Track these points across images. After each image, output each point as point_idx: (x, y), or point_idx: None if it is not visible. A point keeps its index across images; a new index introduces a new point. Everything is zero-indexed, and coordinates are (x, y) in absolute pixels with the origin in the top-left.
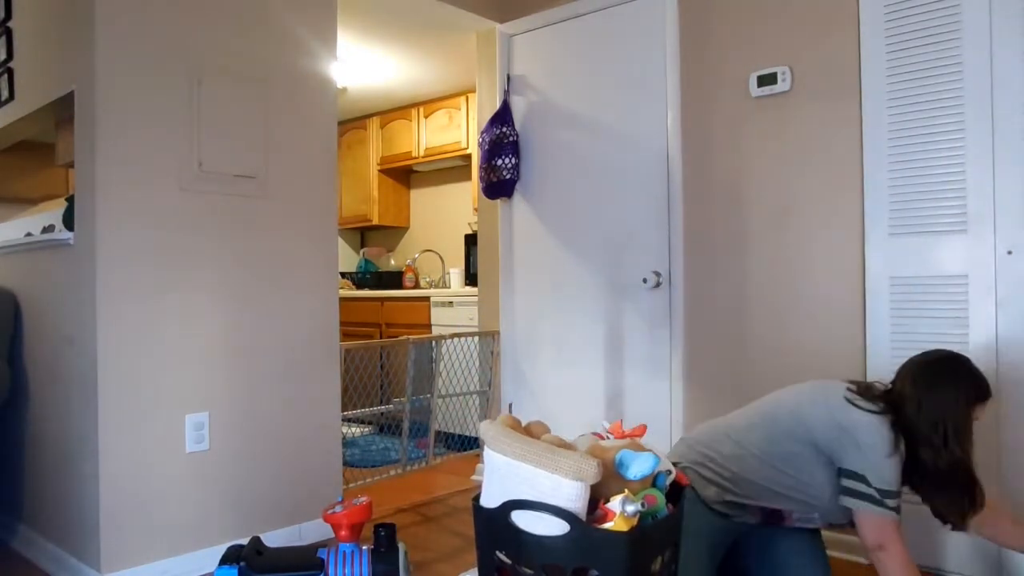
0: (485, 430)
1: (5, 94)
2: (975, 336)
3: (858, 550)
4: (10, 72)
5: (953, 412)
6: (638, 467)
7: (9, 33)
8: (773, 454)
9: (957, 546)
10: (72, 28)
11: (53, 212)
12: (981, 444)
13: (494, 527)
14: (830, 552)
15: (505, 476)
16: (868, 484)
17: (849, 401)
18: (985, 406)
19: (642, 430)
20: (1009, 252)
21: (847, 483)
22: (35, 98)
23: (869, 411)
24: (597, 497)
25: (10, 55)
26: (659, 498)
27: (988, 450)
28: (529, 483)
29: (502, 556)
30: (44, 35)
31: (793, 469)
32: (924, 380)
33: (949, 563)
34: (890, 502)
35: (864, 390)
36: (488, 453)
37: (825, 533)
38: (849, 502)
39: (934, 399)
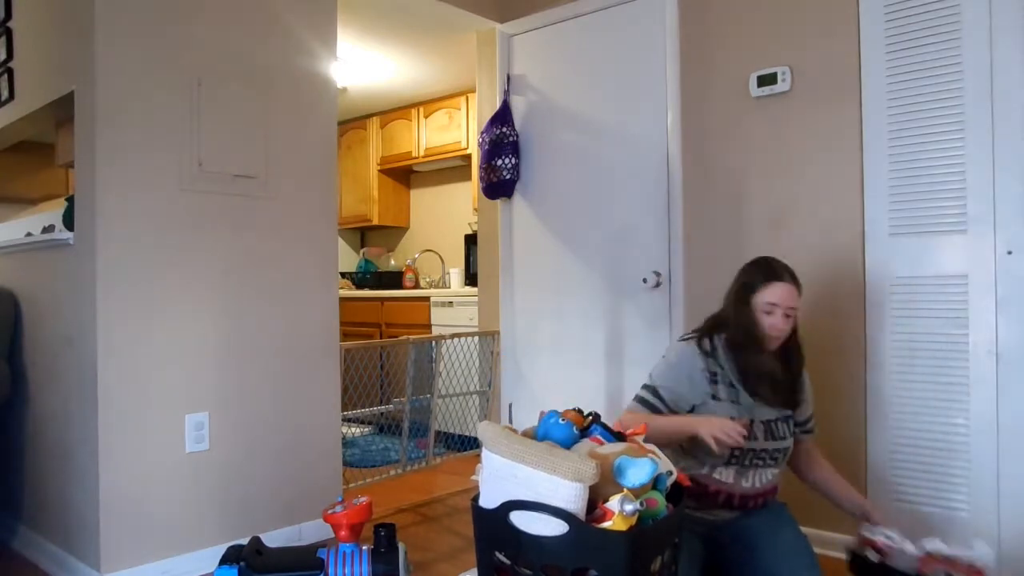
0: (483, 431)
1: (5, 94)
2: (975, 336)
3: None
4: (10, 72)
5: (732, 303)
6: (635, 474)
7: (9, 33)
8: None
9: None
10: (72, 28)
11: (53, 212)
12: (980, 444)
13: (493, 527)
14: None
15: (504, 478)
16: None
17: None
18: (764, 293)
19: (643, 429)
20: (1009, 252)
21: None
22: (35, 98)
23: (680, 339)
24: (596, 499)
25: (10, 55)
26: (659, 501)
27: (987, 446)
28: (527, 484)
29: (501, 557)
30: (44, 35)
31: None
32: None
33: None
34: (644, 391)
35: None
36: (486, 454)
37: (820, 532)
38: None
39: (726, 301)
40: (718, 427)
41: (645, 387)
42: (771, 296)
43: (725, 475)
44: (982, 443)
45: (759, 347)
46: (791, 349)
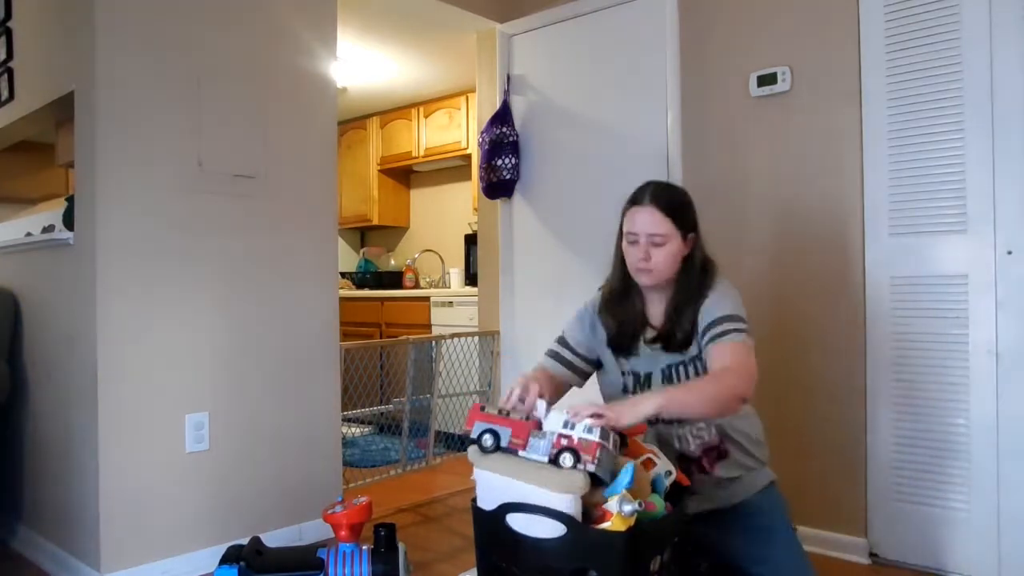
0: (472, 455)
1: (5, 94)
2: (975, 336)
3: (852, 549)
4: (10, 72)
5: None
6: (615, 482)
7: (9, 33)
8: None
9: (957, 546)
10: (72, 28)
11: (53, 212)
12: (980, 444)
13: (491, 529)
14: (827, 551)
15: (498, 489)
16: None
17: None
18: (625, 221)
19: (642, 428)
20: (1009, 252)
21: None
22: (35, 98)
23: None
24: (591, 505)
25: (10, 55)
26: (658, 504)
27: (987, 446)
28: (522, 498)
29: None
30: (44, 35)
31: None
32: None
33: (949, 563)
34: (554, 343)
35: None
36: (478, 473)
37: (820, 532)
38: None
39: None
40: (577, 408)
41: (557, 338)
42: (628, 223)
43: (649, 442)
44: (982, 443)
45: (626, 287)
46: (681, 285)
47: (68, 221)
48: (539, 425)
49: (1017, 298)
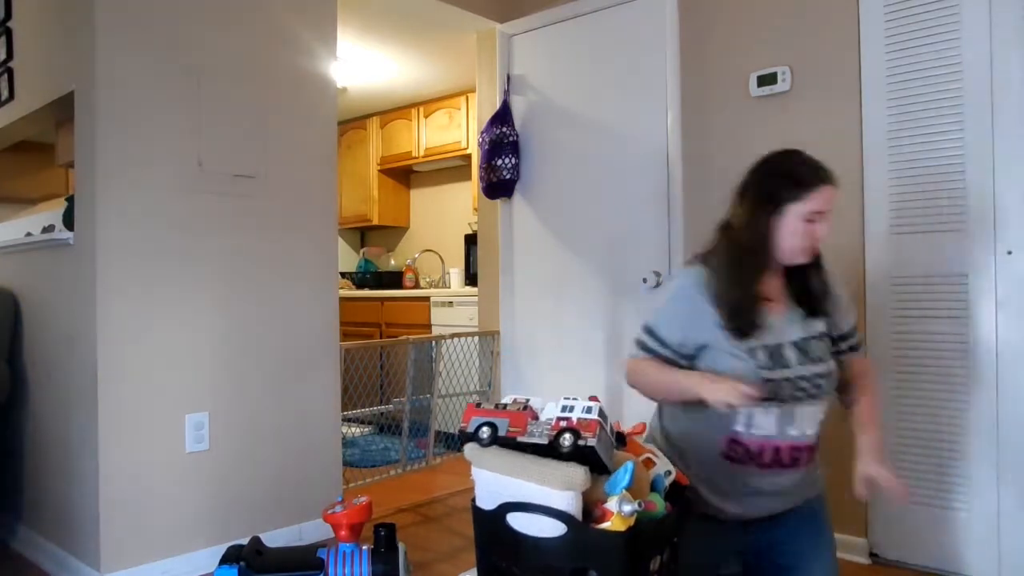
0: (469, 452)
1: (5, 94)
2: (975, 336)
3: (852, 549)
4: (10, 72)
5: (755, 219)
6: (613, 480)
7: (9, 33)
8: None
9: (958, 546)
10: (72, 28)
11: (53, 212)
12: (980, 444)
13: (491, 529)
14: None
15: (496, 489)
16: (644, 326)
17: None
18: (810, 200)
19: (642, 428)
20: (1009, 252)
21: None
22: (35, 98)
23: (684, 266)
24: (592, 501)
25: (10, 55)
26: (658, 504)
27: (987, 446)
28: (522, 496)
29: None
30: (44, 35)
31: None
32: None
33: (949, 563)
34: (645, 337)
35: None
36: (476, 472)
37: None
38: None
39: (743, 211)
40: (726, 390)
41: (644, 328)
42: (816, 202)
43: (766, 424)
44: (982, 443)
45: (753, 264)
46: (816, 264)
47: (68, 221)
48: (536, 416)
49: (1017, 298)
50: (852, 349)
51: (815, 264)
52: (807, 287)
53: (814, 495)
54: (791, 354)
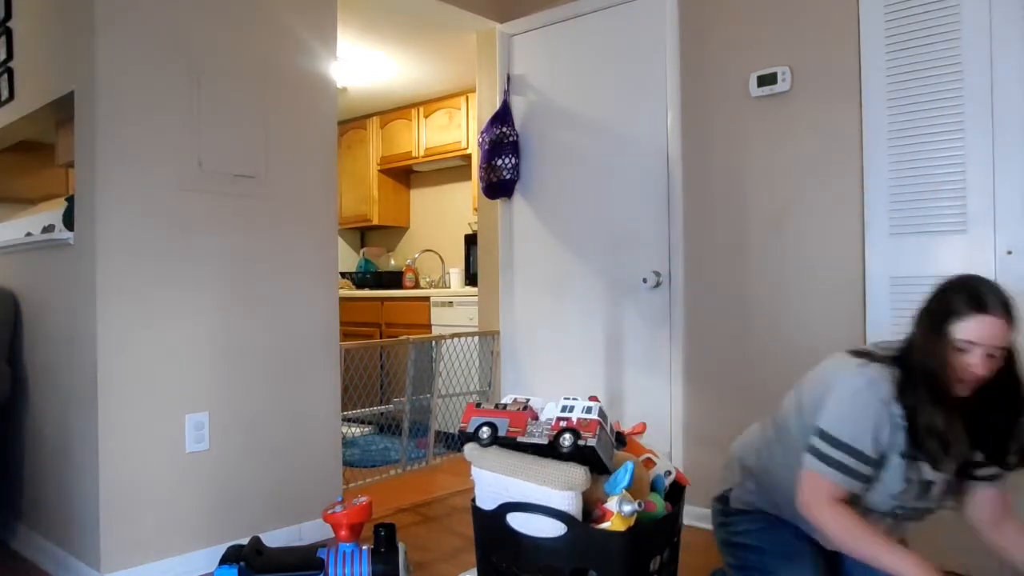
0: (469, 453)
1: (5, 94)
2: None
3: None
4: (10, 72)
5: (922, 340)
6: (615, 480)
7: (9, 33)
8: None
9: (957, 546)
10: (72, 28)
11: (53, 212)
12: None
13: (492, 529)
14: None
15: (498, 490)
16: (819, 434)
17: (852, 356)
18: (962, 326)
19: (641, 428)
20: (1009, 252)
21: (809, 440)
22: (35, 98)
23: (861, 364)
24: (592, 501)
25: (10, 55)
26: (658, 504)
27: None
28: (523, 496)
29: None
30: (44, 35)
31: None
32: (917, 314)
33: (949, 563)
34: (834, 452)
35: (878, 349)
36: (476, 472)
37: None
38: (803, 458)
39: (915, 331)
40: None
41: (826, 438)
42: (968, 331)
43: (877, 525)
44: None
45: (941, 392)
46: (996, 394)
47: (68, 221)
48: (536, 416)
49: (1017, 298)
50: (988, 479)
51: (993, 400)
52: (984, 424)
53: None
54: (938, 491)
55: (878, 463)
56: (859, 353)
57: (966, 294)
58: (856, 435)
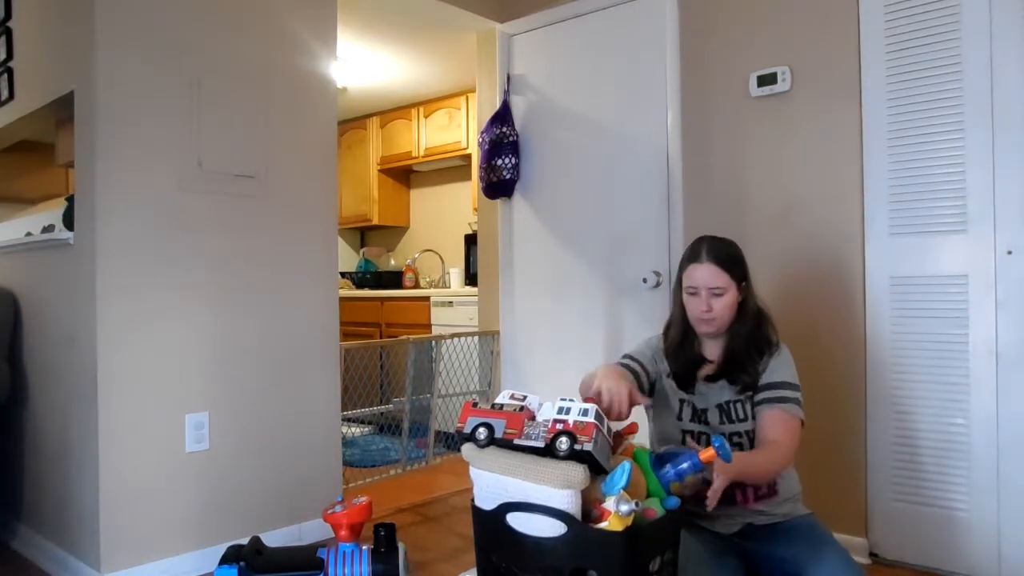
0: (466, 452)
1: (5, 94)
2: (975, 336)
3: (852, 549)
4: (10, 72)
5: (674, 293)
6: (611, 480)
7: (9, 33)
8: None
9: (958, 546)
10: (72, 28)
11: (53, 212)
12: (980, 444)
13: (491, 529)
14: None
15: (496, 490)
16: None
17: None
18: (685, 275)
19: (634, 428)
20: (1009, 252)
21: None
22: (35, 98)
23: None
24: (590, 501)
25: (10, 55)
26: (658, 510)
27: (987, 446)
28: (521, 495)
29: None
30: (44, 35)
31: None
32: None
33: (949, 563)
34: (623, 357)
35: None
36: (474, 472)
37: None
38: None
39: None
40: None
41: (624, 355)
42: (688, 278)
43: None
44: (982, 443)
45: (686, 332)
46: (737, 330)
47: (68, 221)
48: (533, 417)
49: (1017, 298)
50: (766, 402)
51: (732, 335)
52: (728, 355)
53: (797, 515)
54: (713, 416)
55: (652, 381)
56: None
57: (688, 251)
58: (635, 350)
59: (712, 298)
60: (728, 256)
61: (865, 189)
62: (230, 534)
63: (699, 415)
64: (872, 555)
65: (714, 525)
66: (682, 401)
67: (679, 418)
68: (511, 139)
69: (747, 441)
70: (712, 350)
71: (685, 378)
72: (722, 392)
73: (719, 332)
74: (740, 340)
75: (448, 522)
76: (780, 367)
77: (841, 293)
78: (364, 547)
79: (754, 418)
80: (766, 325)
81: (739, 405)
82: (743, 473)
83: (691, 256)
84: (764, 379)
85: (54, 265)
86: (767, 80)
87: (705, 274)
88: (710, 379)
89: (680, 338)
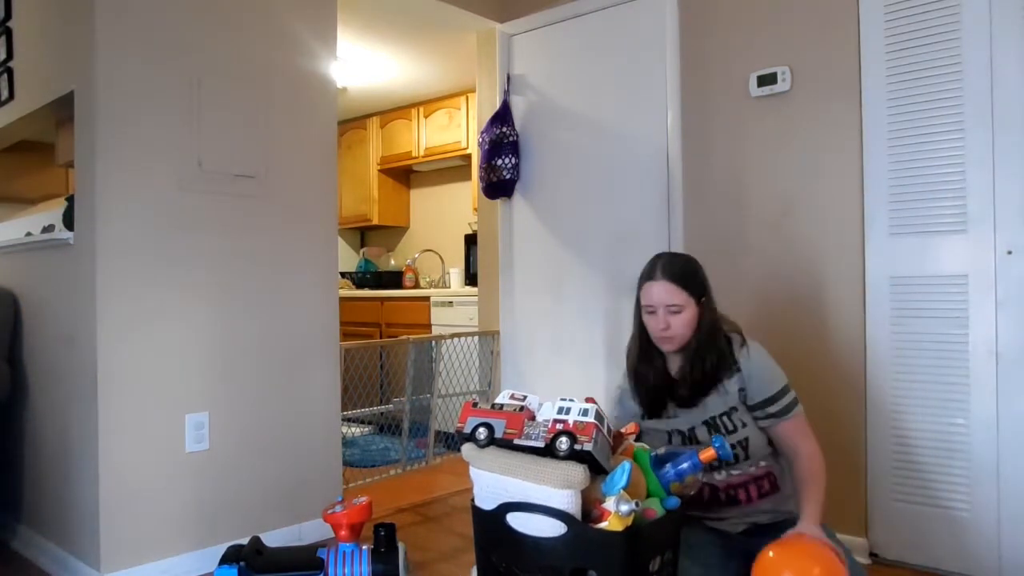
0: (467, 453)
1: (5, 94)
2: (975, 336)
3: (852, 549)
4: (10, 72)
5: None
6: (611, 480)
7: (9, 33)
8: None
9: (958, 546)
10: (72, 28)
11: (53, 212)
12: (980, 444)
13: (491, 529)
14: None
15: (496, 490)
16: None
17: None
18: (641, 294)
19: (634, 428)
20: (1009, 252)
21: None
22: (35, 98)
23: None
24: (590, 501)
25: (10, 55)
26: (658, 510)
27: (987, 446)
28: (521, 495)
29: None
30: (44, 35)
31: None
32: None
33: (949, 563)
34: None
35: None
36: (474, 472)
37: None
38: None
39: None
40: None
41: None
42: (645, 296)
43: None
44: (982, 443)
45: (647, 350)
46: (699, 346)
47: (68, 221)
48: (533, 417)
49: (1017, 298)
50: (772, 416)
51: (694, 349)
52: (693, 380)
53: (787, 517)
54: (704, 435)
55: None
56: None
57: (645, 268)
58: (608, 411)
59: (670, 315)
60: (684, 272)
61: (865, 189)
62: (230, 534)
63: (688, 438)
64: (872, 555)
65: (720, 525)
66: (669, 433)
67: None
68: (511, 139)
69: (742, 451)
70: (674, 364)
71: (658, 405)
72: (705, 409)
73: (680, 348)
74: (698, 354)
75: (448, 522)
76: (760, 378)
77: (841, 293)
78: (364, 547)
79: (745, 425)
80: (722, 339)
81: (726, 418)
82: (822, 504)
83: (647, 274)
84: (752, 398)
85: (54, 265)
86: (767, 80)
87: (661, 291)
88: (683, 404)
89: (642, 358)
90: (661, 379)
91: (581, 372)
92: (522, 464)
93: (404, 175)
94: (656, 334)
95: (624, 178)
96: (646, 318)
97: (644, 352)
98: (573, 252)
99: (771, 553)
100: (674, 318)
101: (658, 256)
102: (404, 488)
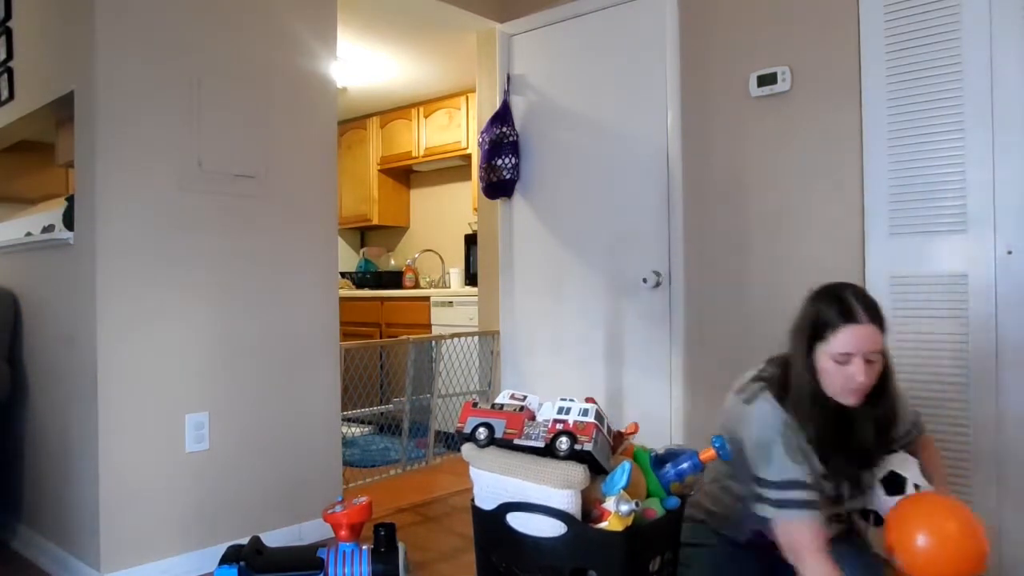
0: (467, 452)
1: (5, 94)
2: (975, 336)
3: None
4: (10, 72)
5: (797, 357)
6: (612, 480)
7: (9, 33)
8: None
9: None
10: (72, 28)
11: (53, 212)
12: (980, 444)
13: (491, 529)
14: None
15: (496, 490)
16: (764, 482)
17: (742, 401)
18: (835, 340)
19: (634, 428)
20: (1009, 252)
21: (753, 489)
22: (35, 98)
23: (744, 401)
24: (590, 501)
25: (10, 55)
26: (658, 510)
27: (987, 446)
28: (520, 496)
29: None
30: (44, 35)
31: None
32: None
33: None
34: (793, 494)
35: (757, 376)
36: (475, 472)
37: None
38: (758, 509)
39: (791, 342)
40: None
41: (773, 485)
42: (841, 343)
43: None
44: (982, 443)
45: (822, 404)
46: (878, 395)
47: (68, 221)
48: (533, 417)
49: (1017, 298)
50: (920, 431)
51: (878, 402)
52: (869, 427)
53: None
54: (848, 492)
55: (818, 481)
56: (748, 384)
57: (836, 306)
58: (791, 467)
59: (866, 365)
60: (880, 311)
61: (865, 189)
62: (230, 534)
63: (838, 498)
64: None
65: (731, 531)
66: (838, 484)
67: (837, 501)
68: (511, 139)
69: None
70: (863, 430)
71: (847, 467)
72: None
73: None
74: (883, 408)
75: (448, 522)
76: (903, 407)
77: None
78: (364, 547)
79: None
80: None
81: (867, 474)
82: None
83: (844, 314)
84: (903, 427)
85: (54, 265)
86: (767, 80)
87: (868, 338)
88: (864, 465)
89: (831, 419)
90: (847, 440)
91: (581, 372)
92: (522, 464)
93: (404, 175)
94: (848, 387)
95: (624, 178)
96: (832, 367)
97: (821, 406)
98: (573, 252)
99: (909, 506)
100: (871, 368)
101: (843, 287)
102: (404, 488)
